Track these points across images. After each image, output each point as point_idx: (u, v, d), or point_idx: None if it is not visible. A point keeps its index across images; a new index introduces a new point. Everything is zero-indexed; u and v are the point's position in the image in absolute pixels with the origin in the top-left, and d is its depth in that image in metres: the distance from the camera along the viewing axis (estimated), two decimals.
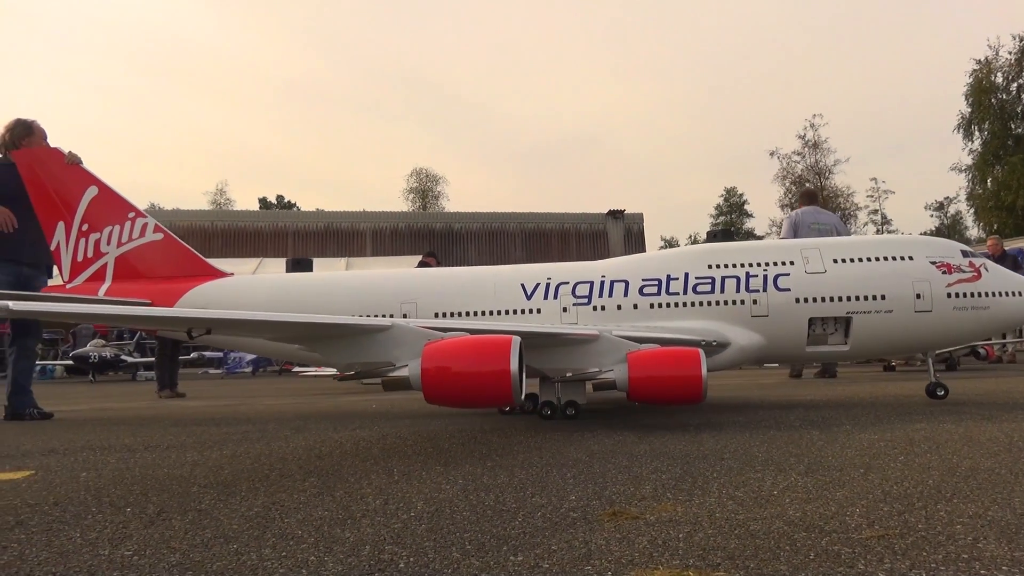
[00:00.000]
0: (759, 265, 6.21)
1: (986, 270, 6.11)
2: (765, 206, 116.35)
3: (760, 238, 56.10)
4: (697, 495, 2.71)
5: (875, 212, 55.77)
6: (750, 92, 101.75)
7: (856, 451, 3.66)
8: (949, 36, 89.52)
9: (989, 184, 36.94)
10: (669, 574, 1.81)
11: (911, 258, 6.13)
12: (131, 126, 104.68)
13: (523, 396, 4.19)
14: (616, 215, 34.77)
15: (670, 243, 63.16)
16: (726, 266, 6.26)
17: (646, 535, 2.16)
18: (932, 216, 62.67)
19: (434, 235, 33.71)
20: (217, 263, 7.68)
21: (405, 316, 6.23)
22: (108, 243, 7.15)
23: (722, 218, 64.44)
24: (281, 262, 23.89)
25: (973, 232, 48.84)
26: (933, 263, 6.07)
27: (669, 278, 6.26)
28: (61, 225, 7.09)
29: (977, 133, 37.20)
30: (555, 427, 5.04)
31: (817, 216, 10.38)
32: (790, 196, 48.20)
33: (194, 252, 7.44)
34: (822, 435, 4.30)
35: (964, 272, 6.02)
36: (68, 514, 2.64)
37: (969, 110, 36.91)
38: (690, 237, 65.29)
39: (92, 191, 7.16)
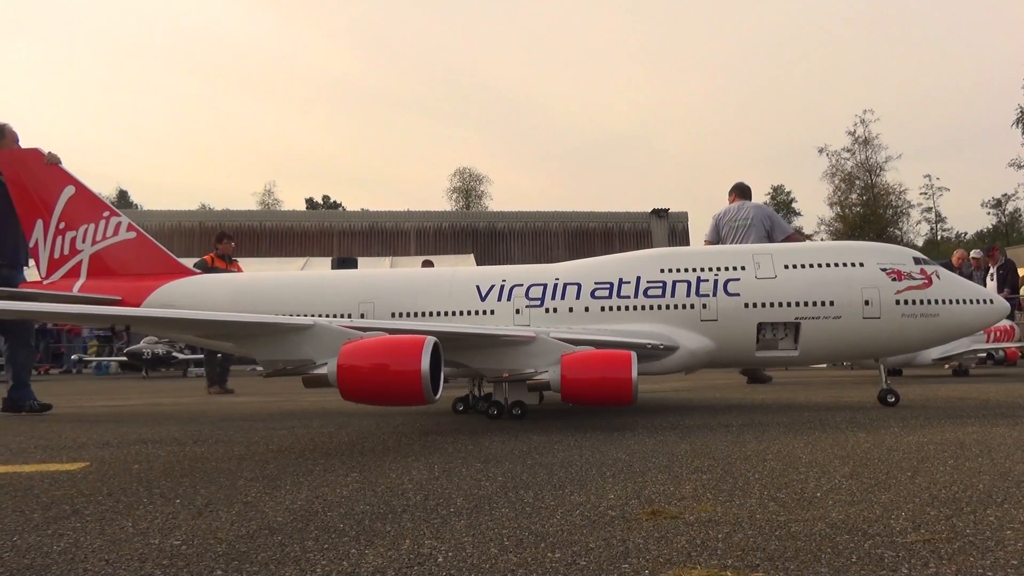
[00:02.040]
0: (710, 270, 6.22)
1: (937, 277, 6.00)
2: (814, 204, 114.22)
3: (808, 237, 55.09)
4: (738, 496, 2.68)
5: (929, 210, 54.39)
6: (798, 88, 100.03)
7: (903, 453, 3.59)
8: (1005, 28, 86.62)
9: None
10: (707, 574, 1.80)
11: (861, 264, 6.06)
12: (183, 129, 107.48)
13: (437, 396, 4.21)
14: (660, 214, 34.46)
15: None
16: (678, 270, 6.27)
17: (685, 535, 2.15)
18: (989, 214, 60.96)
19: (477, 234, 33.81)
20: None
21: (363, 316, 6.40)
22: (83, 241, 7.35)
23: None
24: (327, 261, 24.26)
25: None
26: (883, 270, 6.00)
27: (621, 282, 6.28)
28: (39, 223, 7.32)
29: None
30: (596, 427, 5.03)
31: (738, 212, 9.83)
32: (839, 194, 47.27)
33: (165, 251, 7.60)
34: (868, 437, 4.22)
35: (914, 279, 5.95)
36: (121, 504, 2.73)
37: None
38: None
39: (69, 191, 7.37)
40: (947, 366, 11.88)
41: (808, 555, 1.93)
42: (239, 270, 10.21)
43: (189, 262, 8.59)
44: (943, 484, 2.82)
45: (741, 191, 10.29)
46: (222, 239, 10.94)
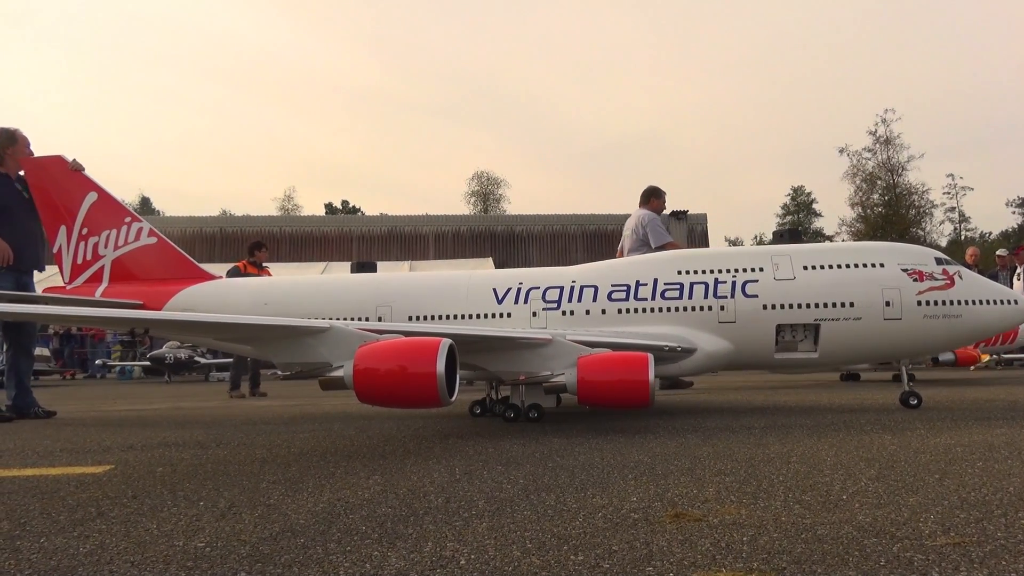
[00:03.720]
0: (728, 271, 6.18)
1: (960, 278, 5.91)
2: (835, 205, 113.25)
3: (829, 238, 54.55)
4: (762, 498, 2.65)
5: (952, 210, 53.73)
6: (818, 87, 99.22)
7: (931, 456, 3.53)
8: None
9: None
10: None
11: (882, 265, 5.99)
12: (204, 136, 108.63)
13: (453, 398, 4.24)
14: (679, 216, 34.18)
15: (734, 244, 61.67)
16: (695, 272, 6.23)
17: (709, 537, 2.13)
18: (1014, 213, 60.14)
19: (495, 238, 33.83)
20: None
21: (381, 319, 6.42)
22: (106, 246, 7.45)
23: (789, 217, 62.90)
24: (346, 266, 24.34)
25: None
26: (904, 270, 5.92)
27: (638, 284, 6.25)
28: (63, 229, 7.43)
29: None
30: (618, 429, 5.00)
31: (629, 221, 9.23)
32: (860, 194, 46.81)
33: (186, 256, 7.68)
34: (894, 439, 4.16)
35: (936, 280, 5.86)
36: (145, 506, 2.75)
37: None
38: (755, 237, 63.92)
39: (92, 197, 7.47)
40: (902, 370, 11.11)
41: (835, 558, 1.90)
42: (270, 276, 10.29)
43: (210, 267, 8.66)
44: (972, 487, 2.77)
45: (643, 196, 9.47)
46: (260, 247, 11.04)
